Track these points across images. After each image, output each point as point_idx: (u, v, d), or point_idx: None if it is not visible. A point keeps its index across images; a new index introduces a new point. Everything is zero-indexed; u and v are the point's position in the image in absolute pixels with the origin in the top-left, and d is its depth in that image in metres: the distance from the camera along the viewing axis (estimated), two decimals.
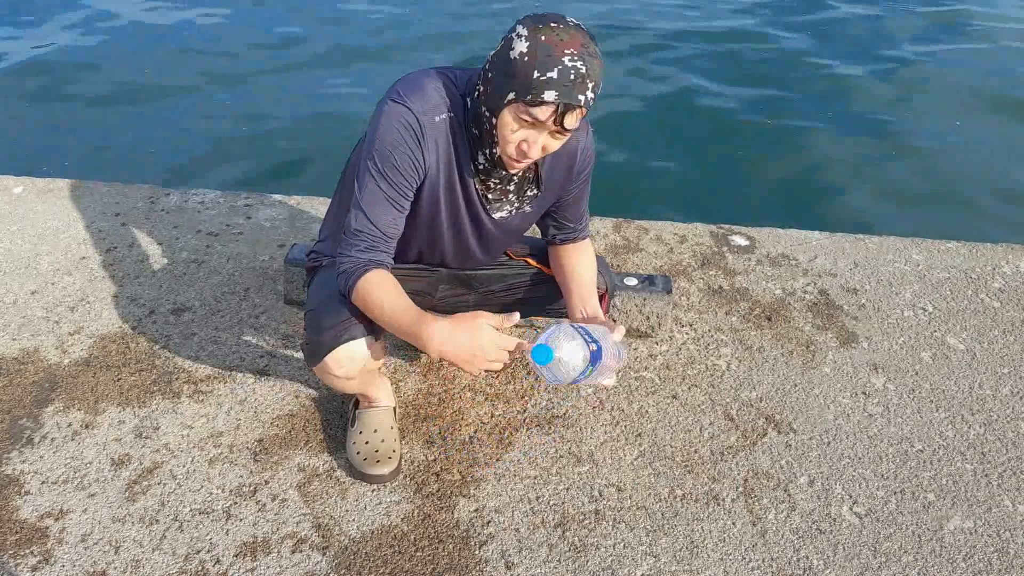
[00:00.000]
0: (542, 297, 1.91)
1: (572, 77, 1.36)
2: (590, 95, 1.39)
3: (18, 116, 4.57)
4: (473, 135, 1.53)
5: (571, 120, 1.40)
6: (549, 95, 1.36)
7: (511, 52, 1.39)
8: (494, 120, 1.44)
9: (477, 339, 1.44)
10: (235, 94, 4.88)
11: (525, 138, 1.44)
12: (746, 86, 5.15)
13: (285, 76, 5.12)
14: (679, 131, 4.59)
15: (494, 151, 1.49)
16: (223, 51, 5.47)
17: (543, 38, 1.36)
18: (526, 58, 1.36)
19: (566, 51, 1.35)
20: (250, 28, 5.90)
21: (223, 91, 4.90)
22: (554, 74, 1.35)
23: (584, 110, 1.41)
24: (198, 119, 4.58)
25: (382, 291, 1.52)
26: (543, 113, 1.39)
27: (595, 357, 1.44)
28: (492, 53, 1.45)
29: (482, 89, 1.46)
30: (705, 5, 6.58)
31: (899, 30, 6.22)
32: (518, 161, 1.48)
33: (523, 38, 1.38)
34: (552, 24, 1.37)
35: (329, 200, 2.87)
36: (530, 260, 1.90)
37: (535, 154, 1.45)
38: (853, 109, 4.89)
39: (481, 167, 1.58)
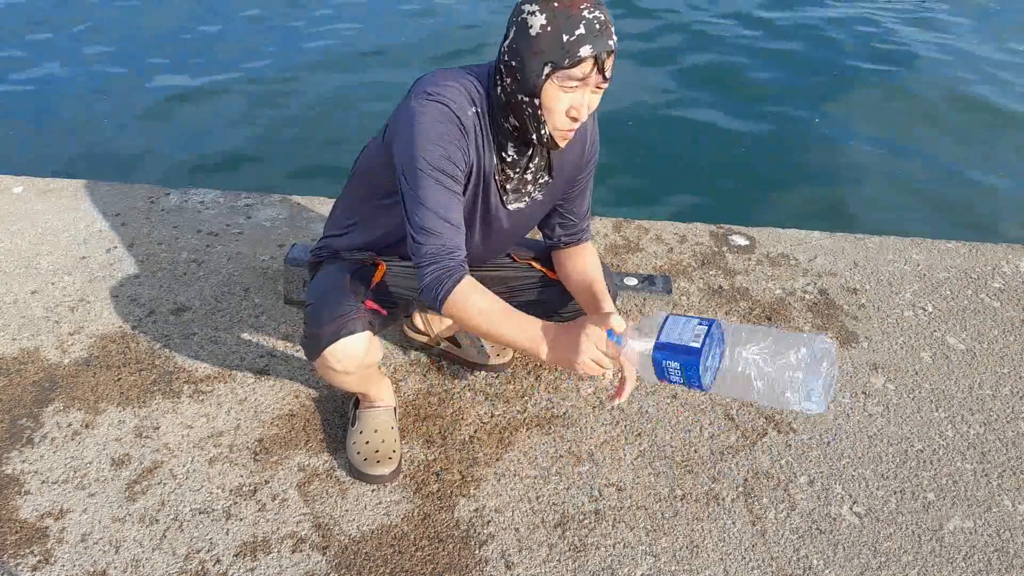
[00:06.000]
0: (543, 301, 1.91)
1: (597, 27, 1.39)
2: (615, 38, 1.42)
3: (19, 115, 4.57)
4: (507, 129, 1.54)
5: (609, 67, 1.43)
6: (585, 51, 1.38)
7: (530, 31, 1.41)
8: (536, 100, 1.45)
9: (579, 352, 1.45)
10: (236, 94, 4.87)
11: (571, 103, 1.45)
12: (746, 86, 5.15)
13: (286, 76, 5.12)
14: (679, 131, 4.59)
15: (543, 132, 1.50)
16: (224, 50, 5.47)
17: (555, 4, 1.39)
18: (549, 28, 1.39)
19: (581, 6, 1.39)
20: (251, 27, 5.90)
21: (224, 91, 4.90)
22: (581, 30, 1.38)
23: (615, 53, 1.44)
24: (199, 119, 4.58)
25: (480, 299, 1.51)
26: (585, 69, 1.40)
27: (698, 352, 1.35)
28: (505, 44, 1.46)
29: (509, 80, 1.47)
30: (706, 6, 6.58)
31: (898, 31, 6.22)
32: (568, 131, 1.50)
33: (536, 13, 1.40)
34: None
35: (329, 199, 2.89)
36: (534, 263, 1.90)
37: (584, 115, 1.47)
38: (853, 109, 4.89)
39: (509, 159, 1.58)
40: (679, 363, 1.35)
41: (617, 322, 1.44)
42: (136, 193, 2.93)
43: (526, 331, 1.49)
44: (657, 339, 1.38)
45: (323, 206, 2.87)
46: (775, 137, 4.55)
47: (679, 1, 6.61)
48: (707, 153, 4.38)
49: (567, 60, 1.39)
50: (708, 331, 1.35)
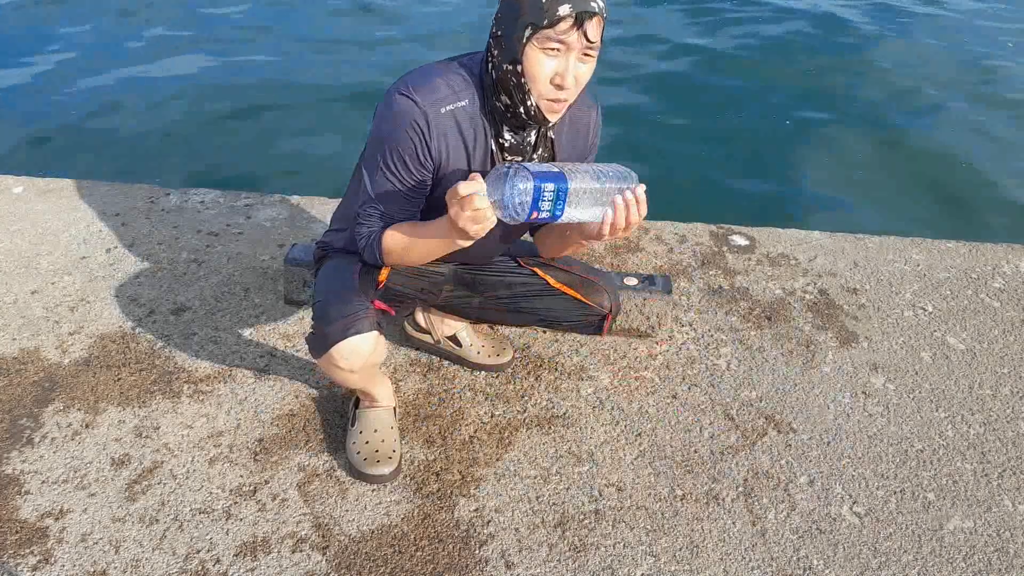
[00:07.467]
0: (546, 309, 1.89)
1: None
2: (601, 2, 1.40)
3: (18, 115, 4.57)
4: (500, 110, 1.53)
5: (593, 30, 1.40)
6: (564, 9, 1.37)
7: None
8: (519, 68, 1.44)
9: (456, 217, 1.41)
10: (236, 93, 4.87)
11: (555, 70, 1.44)
12: (746, 86, 5.15)
13: (286, 75, 5.12)
14: (679, 131, 4.59)
15: (529, 104, 1.48)
16: (225, 49, 5.47)
17: None
18: None
19: None
20: (251, 26, 5.90)
21: (224, 90, 4.90)
22: None
23: (601, 18, 1.41)
24: (199, 118, 4.58)
25: (405, 233, 1.58)
26: (563, 28, 1.39)
27: (559, 190, 1.38)
28: (494, 17, 1.47)
29: (496, 52, 1.47)
30: (707, 7, 6.58)
31: (897, 30, 6.22)
32: (556, 101, 1.48)
33: None
34: None
35: (329, 199, 2.89)
36: (538, 270, 1.89)
37: (570, 84, 1.45)
38: (854, 108, 4.89)
39: (507, 144, 1.58)
40: (554, 185, 1.37)
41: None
42: (136, 193, 2.93)
43: (440, 235, 1.52)
44: (528, 169, 1.38)
45: (323, 206, 2.87)
46: (775, 137, 4.55)
47: None
48: (707, 153, 4.38)
49: (545, 20, 1.38)
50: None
